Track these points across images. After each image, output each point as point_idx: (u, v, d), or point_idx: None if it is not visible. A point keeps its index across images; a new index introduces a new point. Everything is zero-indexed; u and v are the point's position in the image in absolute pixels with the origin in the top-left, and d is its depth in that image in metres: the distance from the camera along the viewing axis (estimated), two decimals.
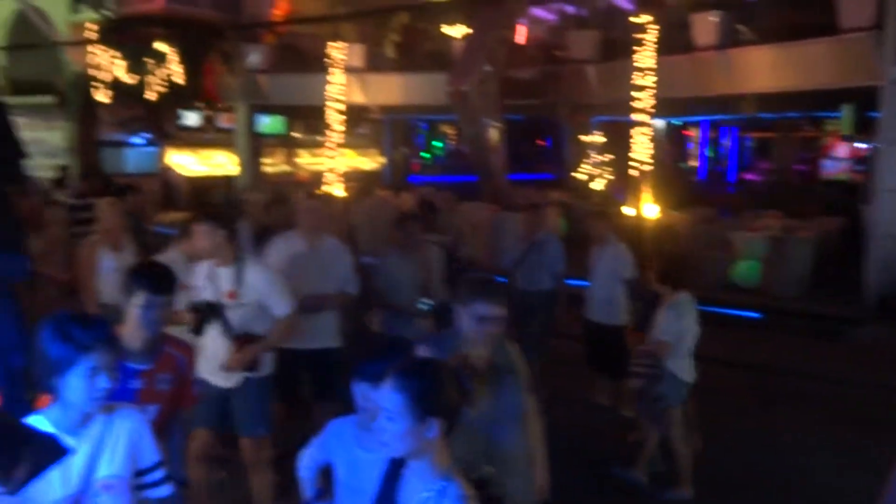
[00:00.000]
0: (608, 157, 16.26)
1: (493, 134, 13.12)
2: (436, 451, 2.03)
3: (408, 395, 1.97)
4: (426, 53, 17.06)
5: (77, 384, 2.02)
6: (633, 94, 12.05)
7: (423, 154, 22.77)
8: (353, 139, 21.19)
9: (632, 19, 12.20)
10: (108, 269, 4.87)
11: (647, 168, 12.46)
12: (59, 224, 6.31)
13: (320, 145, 20.38)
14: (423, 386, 1.99)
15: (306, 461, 2.71)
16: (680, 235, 10.99)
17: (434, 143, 23.40)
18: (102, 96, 16.37)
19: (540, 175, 18.87)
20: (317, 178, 18.45)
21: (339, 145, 16.35)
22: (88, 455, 2.14)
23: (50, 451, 1.07)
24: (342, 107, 15.76)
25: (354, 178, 17.99)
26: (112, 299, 4.75)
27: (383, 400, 2.02)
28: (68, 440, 2.15)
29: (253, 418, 3.75)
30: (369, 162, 22.30)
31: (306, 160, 21.59)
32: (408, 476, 2.12)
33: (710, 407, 5.10)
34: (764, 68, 11.62)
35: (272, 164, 20.26)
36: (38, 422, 2.04)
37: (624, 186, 13.84)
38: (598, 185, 15.92)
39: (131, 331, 2.81)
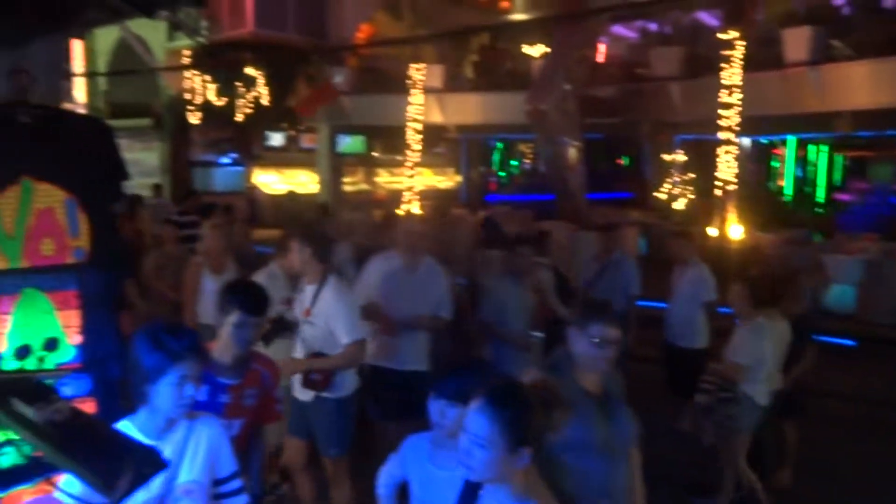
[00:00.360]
0: (691, 176, 15.82)
1: (572, 153, 12.98)
2: (518, 474, 1.97)
3: (501, 422, 1.91)
4: (505, 73, 17.12)
5: (166, 391, 2.13)
6: (719, 111, 11.70)
7: (499, 173, 22.78)
8: (431, 158, 21.45)
9: (719, 35, 11.88)
10: (209, 290, 4.95)
11: (732, 188, 12.05)
12: (173, 242, 6.34)
13: (398, 164, 20.76)
14: (516, 414, 1.93)
15: (384, 478, 2.72)
16: (767, 257, 10.53)
17: (511, 162, 23.38)
18: (194, 118, 17.20)
19: (619, 194, 18.54)
20: (394, 196, 18.76)
21: (417, 164, 16.57)
22: (170, 460, 2.22)
23: (151, 463, 1.10)
24: (420, 126, 16.00)
25: (431, 197, 18.19)
26: (212, 320, 4.97)
27: (473, 425, 1.96)
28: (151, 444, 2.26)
29: (327, 438, 3.79)
30: (446, 181, 22.50)
31: (384, 179, 22.01)
32: (484, 498, 2.07)
33: (799, 437, 4.85)
34: (861, 84, 11.06)
35: (351, 183, 20.75)
36: (125, 426, 2.22)
37: (707, 206, 13.40)
38: (680, 204, 15.50)
39: (223, 347, 2.91)
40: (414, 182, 16.55)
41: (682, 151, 16.12)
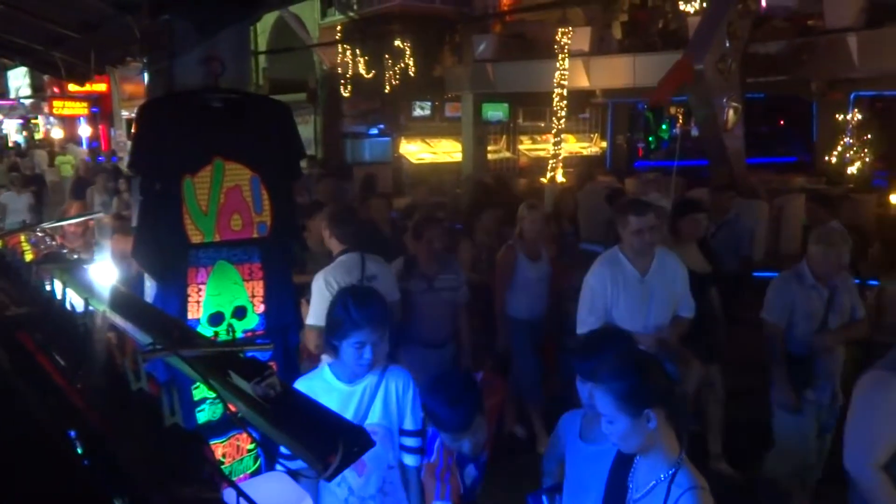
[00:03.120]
0: (869, 137, 14.31)
1: (731, 114, 12.14)
2: (665, 439, 2.03)
3: (616, 395, 2.00)
4: (655, 32, 16.25)
5: (348, 350, 2.40)
6: None
7: (648, 138, 21.84)
8: (575, 124, 20.93)
9: None
10: (526, 278, 4.73)
11: None
12: (488, 230, 5.87)
13: (542, 131, 20.43)
14: (629, 383, 2.00)
15: (547, 453, 2.77)
16: None
17: (661, 126, 22.32)
18: (345, 91, 17.84)
19: (781, 158, 17.19)
20: (537, 164, 18.53)
21: (561, 131, 16.22)
22: (360, 402, 2.48)
23: (360, 442, 1.14)
24: (565, 92, 15.61)
25: (575, 164, 17.79)
26: (527, 314, 4.83)
27: (598, 405, 2.07)
28: (344, 387, 2.49)
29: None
30: (591, 147, 21.92)
31: (527, 146, 21.78)
32: (638, 464, 2.14)
33: None
34: None
35: (494, 151, 20.72)
36: (324, 370, 2.52)
37: (889, 170, 12.11)
38: (854, 168, 14.10)
39: None
40: (558, 149, 16.23)
41: (858, 110, 14.59)
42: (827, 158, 14.59)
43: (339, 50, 17.11)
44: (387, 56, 16.50)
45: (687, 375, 2.09)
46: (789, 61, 12.47)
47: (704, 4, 14.06)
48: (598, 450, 2.37)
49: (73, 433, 1.19)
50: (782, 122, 20.32)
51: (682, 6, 15.46)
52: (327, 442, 1.16)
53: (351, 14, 16.79)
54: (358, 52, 16.92)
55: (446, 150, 20.40)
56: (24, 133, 30.19)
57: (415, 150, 20.20)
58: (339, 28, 17.29)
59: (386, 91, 17.12)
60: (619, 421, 2.01)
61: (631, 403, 1.99)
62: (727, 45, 11.41)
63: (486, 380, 2.86)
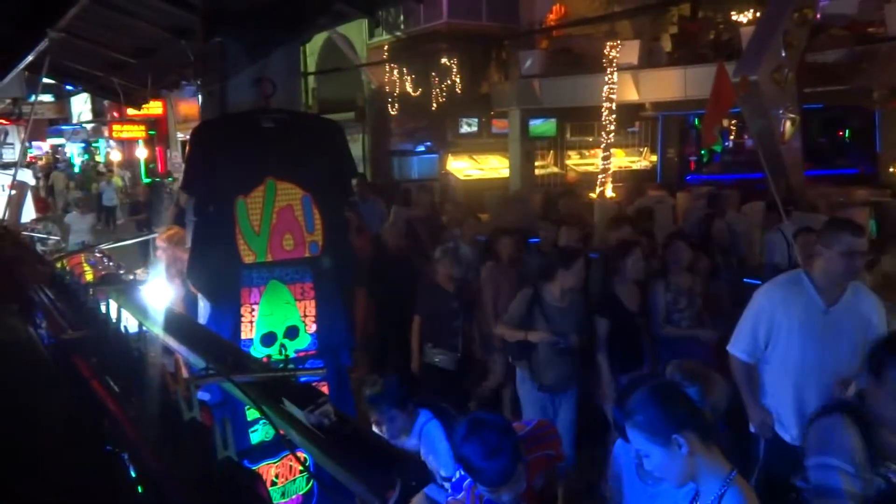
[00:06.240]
0: None
1: (788, 126, 11.78)
2: (709, 461, 2.00)
3: (640, 428, 2.01)
4: (706, 44, 15.95)
5: None
6: None
7: (700, 151, 21.40)
8: (624, 138, 20.67)
9: None
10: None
11: None
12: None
13: (590, 146, 20.22)
14: (649, 414, 2.00)
15: (609, 475, 2.72)
16: None
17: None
18: (393, 110, 18.02)
19: (842, 170, 16.62)
20: (586, 179, 18.33)
21: (610, 145, 16.03)
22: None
23: (418, 475, 1.07)
24: (614, 106, 15.43)
25: (625, 179, 17.52)
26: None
27: (633, 443, 2.08)
28: None
29: None
30: (641, 161, 21.60)
31: (575, 161, 21.58)
32: (702, 495, 2.08)
33: None
34: None
35: (542, 166, 20.60)
36: None
37: None
38: None
39: None
40: (607, 163, 16.03)
41: None
42: (892, 170, 14.03)
43: (387, 69, 17.29)
44: (433, 74, 16.59)
45: (711, 394, 2.14)
46: (849, 70, 12.07)
47: (758, 14, 13.77)
48: (656, 490, 2.34)
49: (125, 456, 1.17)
50: (842, 133, 19.71)
51: (734, 16, 15.17)
52: (385, 475, 1.10)
53: (398, 33, 16.97)
54: (405, 70, 17.07)
55: (493, 167, 20.35)
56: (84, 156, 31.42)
57: (462, 167, 20.20)
58: (386, 47, 17.50)
59: (433, 108, 17.20)
60: (654, 453, 2.01)
61: (658, 432, 1.98)
62: (783, 54, 11.11)
63: (538, 429, 2.66)
